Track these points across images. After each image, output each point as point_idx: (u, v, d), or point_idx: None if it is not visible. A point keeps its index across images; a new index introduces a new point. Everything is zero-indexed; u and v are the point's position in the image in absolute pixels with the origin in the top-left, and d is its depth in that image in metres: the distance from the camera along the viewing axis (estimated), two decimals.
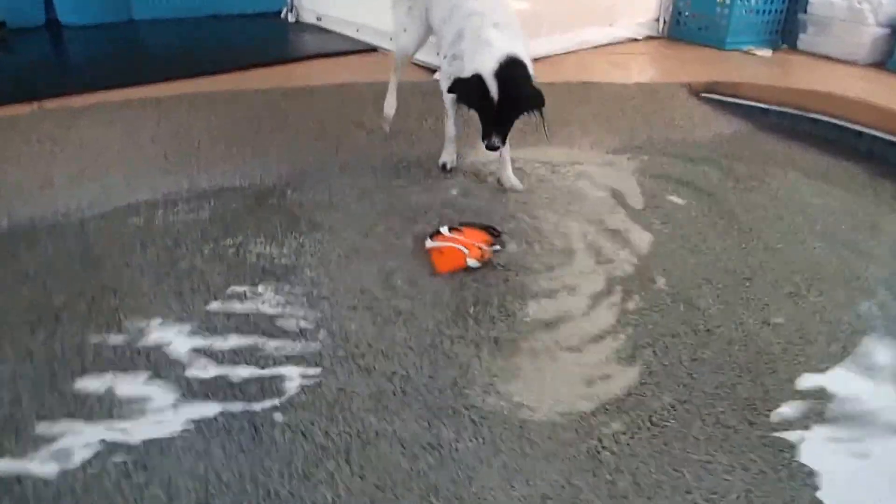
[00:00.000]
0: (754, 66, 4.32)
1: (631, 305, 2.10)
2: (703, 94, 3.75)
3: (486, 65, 2.38)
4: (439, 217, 2.52)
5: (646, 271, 2.28)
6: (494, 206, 2.64)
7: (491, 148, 2.47)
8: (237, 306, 2.00)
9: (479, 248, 2.25)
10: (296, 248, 2.30)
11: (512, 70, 2.38)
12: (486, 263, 2.24)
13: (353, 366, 1.80)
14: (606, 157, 3.13)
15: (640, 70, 4.30)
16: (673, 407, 1.73)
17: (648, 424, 1.67)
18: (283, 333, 1.91)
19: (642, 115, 3.55)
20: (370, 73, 3.90)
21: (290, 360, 1.81)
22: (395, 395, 1.73)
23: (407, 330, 1.94)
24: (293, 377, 1.76)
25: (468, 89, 2.43)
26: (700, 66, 4.25)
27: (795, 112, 3.43)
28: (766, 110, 3.55)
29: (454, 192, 2.75)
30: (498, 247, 2.32)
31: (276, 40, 4.78)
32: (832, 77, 4.01)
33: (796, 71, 4.30)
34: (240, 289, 2.07)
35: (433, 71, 3.93)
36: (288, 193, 2.64)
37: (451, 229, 2.32)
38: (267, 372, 1.77)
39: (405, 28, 2.95)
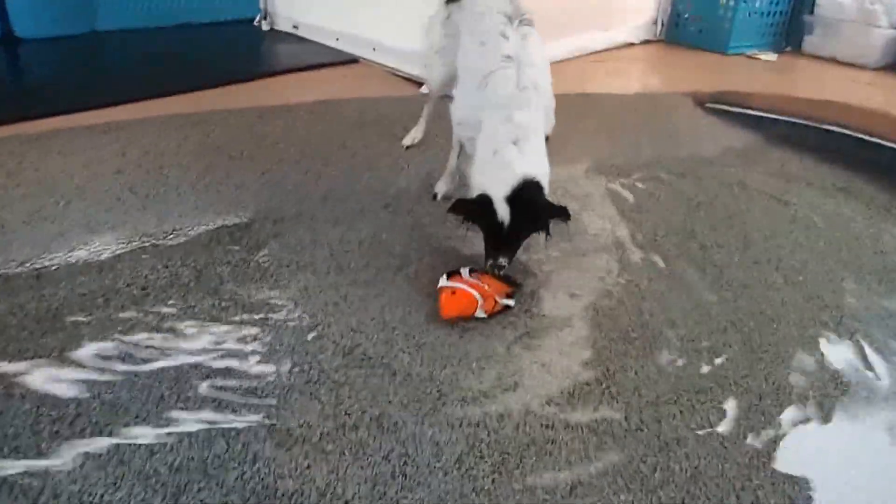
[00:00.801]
0: (759, 72, 4.13)
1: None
2: (709, 105, 3.54)
3: (497, 189, 2.04)
4: (432, 258, 2.29)
5: (655, 324, 2.07)
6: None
7: (496, 269, 2.11)
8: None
9: (494, 301, 2.02)
10: (275, 300, 2.05)
11: (527, 192, 2.04)
12: (491, 316, 2.01)
13: (345, 441, 1.57)
14: (610, 182, 2.91)
15: (639, 78, 4.09)
16: None
17: None
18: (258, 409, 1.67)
19: (645, 128, 3.34)
20: (352, 88, 3.66)
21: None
22: (394, 477, 1.50)
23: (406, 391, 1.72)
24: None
25: (473, 210, 2.09)
26: (703, 72, 4.05)
27: (807, 123, 3.23)
28: (776, 120, 3.34)
29: (448, 224, 2.51)
30: (511, 302, 2.07)
31: (251, 52, 4.51)
32: (842, 82, 3.83)
33: (804, 76, 4.11)
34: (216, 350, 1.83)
35: (420, 84, 3.70)
36: (266, 230, 2.39)
37: (471, 272, 2.08)
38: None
39: (432, 67, 2.73)
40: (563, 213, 2.05)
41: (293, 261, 2.23)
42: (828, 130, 3.18)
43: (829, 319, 2.09)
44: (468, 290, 1.98)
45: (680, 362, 1.88)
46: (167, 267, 2.16)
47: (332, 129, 3.19)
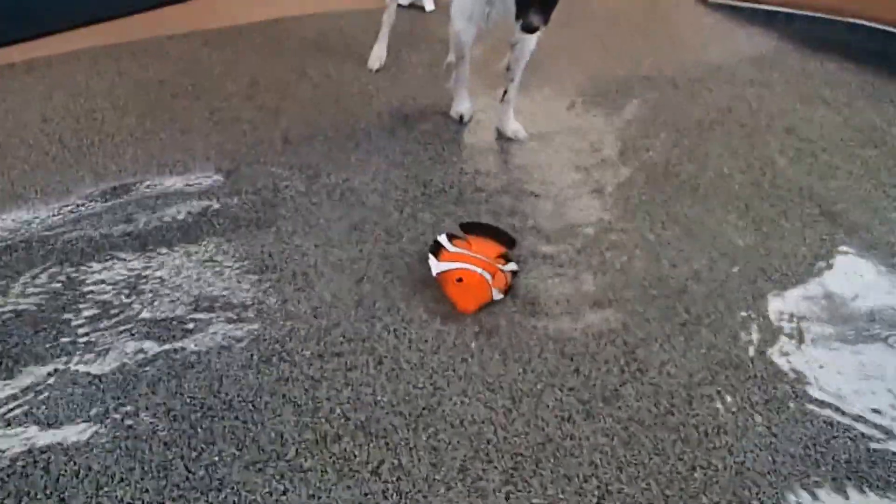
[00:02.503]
0: None
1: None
2: (713, 0, 3.13)
3: None
4: (413, 207, 1.97)
5: (678, 278, 1.79)
6: (489, 184, 2.10)
7: (529, 29, 2.00)
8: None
9: (500, 272, 1.70)
10: (238, 271, 1.74)
11: None
12: (506, 293, 1.69)
13: (327, 455, 1.32)
14: (608, 102, 2.55)
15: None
16: None
17: None
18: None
19: (644, 34, 2.95)
20: (309, 3, 3.19)
21: None
22: (386, 497, 1.26)
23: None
24: None
25: None
26: None
27: (829, 17, 2.85)
28: (792, 15, 2.95)
29: (428, 159, 2.18)
30: (515, 266, 1.75)
31: None
32: None
33: None
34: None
35: None
36: (219, 182, 2.05)
37: (451, 238, 1.76)
38: None
39: None
40: None
41: (251, 220, 1.91)
42: (852, 25, 2.79)
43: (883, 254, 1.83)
44: (474, 271, 1.66)
45: (711, 328, 1.62)
46: (106, 237, 1.83)
47: (290, 54, 2.77)
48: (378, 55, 2.69)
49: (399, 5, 3.07)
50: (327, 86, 2.57)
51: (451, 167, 2.15)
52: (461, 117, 2.39)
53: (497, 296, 1.66)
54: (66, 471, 1.28)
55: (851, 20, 2.81)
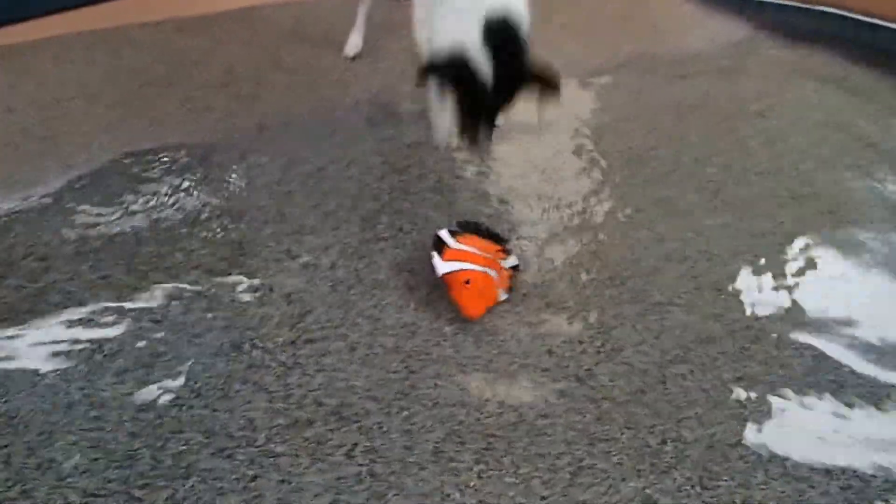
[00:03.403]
0: None
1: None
2: None
3: (468, 32, 1.65)
4: (391, 195, 1.96)
5: (649, 260, 1.80)
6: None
7: (478, 141, 1.77)
8: None
9: (503, 269, 1.65)
10: (203, 261, 1.72)
11: (507, 34, 1.66)
12: (510, 291, 1.64)
13: (299, 440, 1.31)
14: (586, 88, 2.56)
15: None
16: None
17: None
18: None
19: (623, 22, 2.96)
20: None
21: None
22: (360, 480, 1.25)
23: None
24: None
25: (443, 72, 1.71)
26: None
27: (800, 6, 2.87)
28: (764, 5, 2.97)
29: (406, 146, 2.17)
30: (515, 260, 1.69)
31: None
32: None
33: None
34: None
35: None
36: (192, 170, 2.03)
37: (454, 234, 1.66)
38: None
39: None
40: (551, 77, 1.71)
41: (224, 209, 1.89)
42: (822, 13, 2.83)
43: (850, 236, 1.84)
44: (481, 272, 1.58)
45: (684, 307, 1.63)
46: (73, 228, 1.80)
47: (265, 42, 2.75)
48: (355, 43, 2.68)
49: None
50: (304, 74, 2.55)
51: (430, 154, 2.14)
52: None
53: (502, 296, 1.61)
54: (28, 463, 1.26)
55: (821, 8, 2.83)
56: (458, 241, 1.64)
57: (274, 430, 1.32)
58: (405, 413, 1.36)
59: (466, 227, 1.71)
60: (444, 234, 1.64)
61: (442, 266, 1.57)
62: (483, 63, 1.66)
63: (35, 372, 1.42)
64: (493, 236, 1.72)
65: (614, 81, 2.55)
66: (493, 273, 1.61)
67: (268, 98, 2.40)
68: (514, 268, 1.68)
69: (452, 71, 1.69)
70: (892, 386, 1.44)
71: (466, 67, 1.67)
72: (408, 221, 1.85)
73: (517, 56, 1.69)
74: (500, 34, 1.67)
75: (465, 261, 1.59)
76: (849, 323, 1.58)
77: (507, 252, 1.71)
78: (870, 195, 1.99)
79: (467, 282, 1.56)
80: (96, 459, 1.26)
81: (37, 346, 1.48)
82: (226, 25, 2.85)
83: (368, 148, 2.16)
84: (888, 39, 2.69)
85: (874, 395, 1.42)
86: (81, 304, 1.57)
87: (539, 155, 2.15)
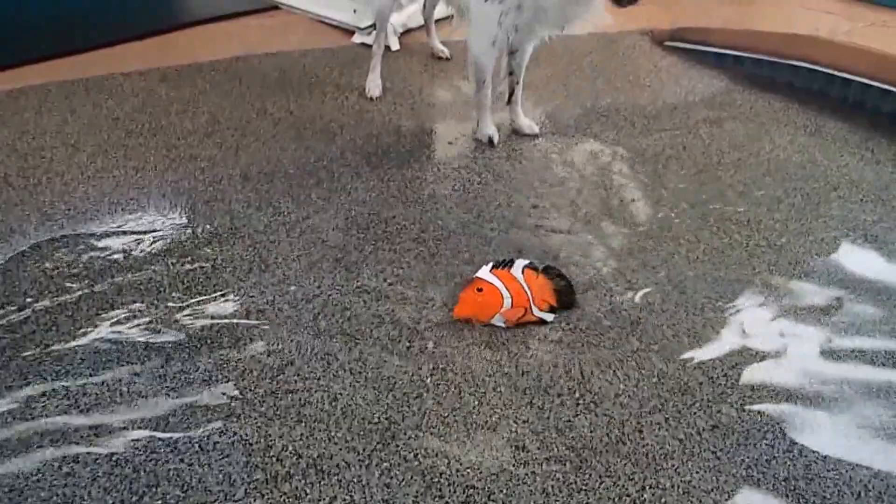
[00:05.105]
0: (719, 4, 3.79)
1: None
2: (669, 43, 3.24)
3: None
4: (375, 246, 1.97)
5: (632, 310, 1.81)
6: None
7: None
8: None
9: (526, 310, 1.69)
10: (182, 311, 1.71)
11: None
12: (510, 327, 1.69)
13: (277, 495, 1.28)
14: (569, 138, 2.61)
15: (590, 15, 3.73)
16: None
17: None
18: None
19: (603, 74, 3.03)
20: (272, 41, 3.22)
21: None
22: None
23: None
24: None
25: None
26: (659, 6, 3.68)
27: (774, 60, 2.97)
28: (740, 59, 3.07)
29: (391, 196, 2.18)
30: (550, 317, 1.71)
31: (150, 1, 3.88)
32: (806, 12, 3.55)
33: (767, 3, 3.82)
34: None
35: (351, 33, 3.29)
36: (173, 219, 2.03)
37: (524, 269, 1.73)
38: None
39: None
40: None
41: (207, 257, 1.89)
42: (795, 67, 2.92)
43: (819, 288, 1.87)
44: (499, 291, 1.66)
45: (662, 358, 1.64)
46: (52, 278, 1.79)
47: (251, 92, 2.78)
48: (375, 83, 2.78)
49: (363, 44, 3.12)
50: (289, 123, 2.58)
51: (414, 204, 2.16)
52: (490, 139, 2.47)
53: (498, 322, 1.68)
54: None
55: (795, 63, 2.93)
56: (522, 273, 1.72)
57: (252, 485, 1.30)
58: (385, 465, 1.35)
59: (547, 271, 1.78)
60: (520, 262, 1.75)
61: (482, 272, 1.72)
62: None
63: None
64: (564, 292, 1.75)
65: (594, 131, 2.60)
66: (508, 302, 1.66)
67: (252, 147, 2.42)
68: (542, 321, 1.71)
69: None
70: None
71: None
72: (391, 273, 1.86)
73: None
74: None
75: (502, 280, 1.68)
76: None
77: (553, 310, 1.72)
78: (851, 247, 2.03)
79: (479, 289, 1.67)
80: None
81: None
82: (210, 75, 2.88)
83: (353, 198, 2.17)
84: (858, 92, 2.78)
85: None
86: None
87: (518, 206, 2.18)
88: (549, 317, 1.71)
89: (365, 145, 2.46)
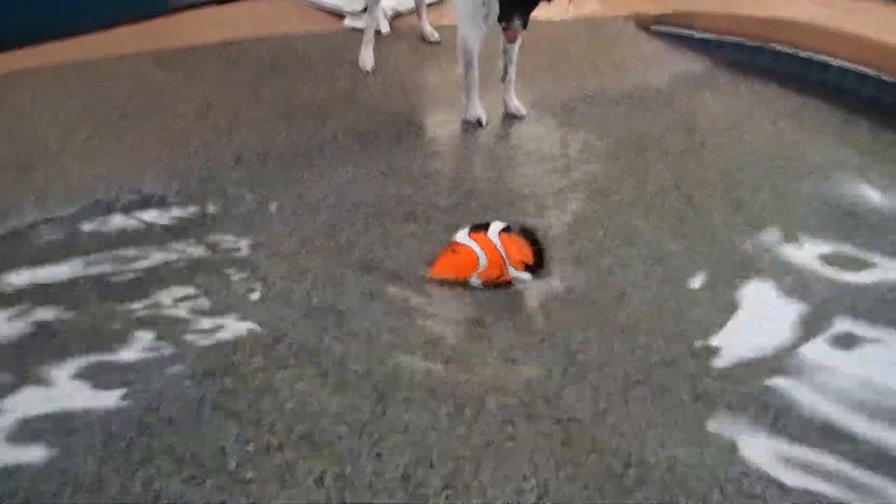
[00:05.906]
0: None
1: None
2: (654, 28, 3.27)
3: None
4: (365, 223, 2.01)
5: (617, 286, 1.87)
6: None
7: (511, 34, 2.22)
8: None
9: (501, 270, 1.76)
10: (177, 289, 1.75)
11: None
12: (487, 286, 1.77)
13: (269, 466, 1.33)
14: (556, 120, 2.65)
15: (578, 1, 3.76)
16: None
17: None
18: None
19: (588, 58, 3.06)
20: (265, 25, 3.23)
21: None
22: None
23: None
24: None
25: None
26: None
27: (755, 44, 3.01)
28: (722, 43, 3.11)
29: (381, 174, 2.22)
30: (526, 276, 1.79)
31: None
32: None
33: None
34: None
35: (342, 17, 3.30)
36: (168, 200, 2.06)
37: (500, 232, 1.80)
38: None
39: None
40: None
41: (200, 237, 1.92)
42: (777, 51, 2.97)
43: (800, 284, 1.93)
44: (474, 252, 1.73)
45: (648, 333, 1.69)
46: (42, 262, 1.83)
47: (244, 75, 2.80)
48: (367, 55, 2.86)
49: (354, 28, 3.14)
50: (281, 105, 2.61)
51: (405, 183, 2.20)
52: (478, 121, 2.53)
53: (475, 282, 1.75)
54: None
55: (776, 47, 2.98)
56: (499, 236, 1.77)
57: (244, 457, 1.34)
58: (375, 437, 1.40)
59: (523, 232, 1.85)
60: (496, 224, 1.80)
61: (458, 236, 1.78)
62: None
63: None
64: (537, 253, 1.82)
65: (581, 114, 2.65)
66: (483, 261, 1.73)
67: (245, 129, 2.45)
68: (519, 281, 1.78)
69: None
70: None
71: None
72: (381, 248, 1.91)
73: None
74: None
75: (477, 242, 1.75)
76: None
77: (532, 271, 1.79)
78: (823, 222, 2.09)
79: (454, 251, 1.75)
80: (64, 484, 1.28)
81: None
82: (204, 59, 2.89)
83: (344, 177, 2.21)
84: (837, 76, 2.84)
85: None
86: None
87: (506, 187, 2.23)
88: (526, 276, 1.78)
89: (356, 127, 2.49)
